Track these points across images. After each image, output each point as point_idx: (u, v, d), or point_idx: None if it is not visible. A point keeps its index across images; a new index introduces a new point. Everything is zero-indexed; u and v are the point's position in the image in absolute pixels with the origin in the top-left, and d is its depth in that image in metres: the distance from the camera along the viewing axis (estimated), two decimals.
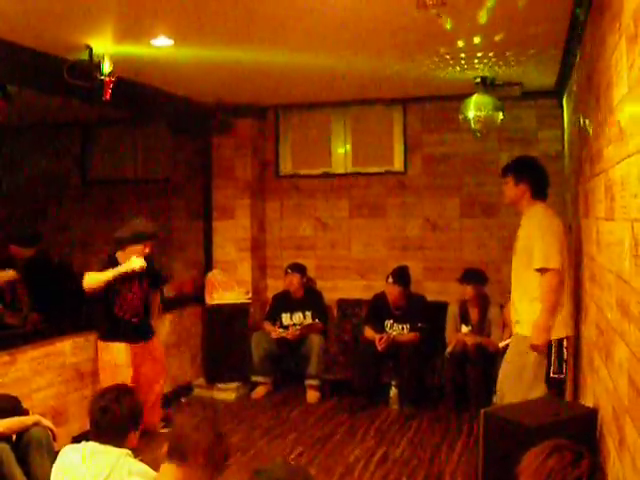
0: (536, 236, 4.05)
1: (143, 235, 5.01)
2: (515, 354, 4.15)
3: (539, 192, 4.25)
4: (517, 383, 4.04)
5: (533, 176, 4.27)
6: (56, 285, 5.85)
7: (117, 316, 5.03)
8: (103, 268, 4.95)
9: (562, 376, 3.96)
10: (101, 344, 5.09)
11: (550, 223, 4.10)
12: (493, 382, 5.64)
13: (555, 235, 4.04)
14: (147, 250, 5.01)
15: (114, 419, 2.88)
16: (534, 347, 3.98)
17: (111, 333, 5.05)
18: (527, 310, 4.09)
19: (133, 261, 4.89)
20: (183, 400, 6.23)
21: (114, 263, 4.98)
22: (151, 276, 5.24)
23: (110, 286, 4.94)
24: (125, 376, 4.86)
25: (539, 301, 4.01)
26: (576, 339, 4.19)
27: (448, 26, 4.14)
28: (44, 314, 5.49)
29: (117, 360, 4.99)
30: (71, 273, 6.27)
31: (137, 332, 5.13)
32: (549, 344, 3.95)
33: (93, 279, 4.88)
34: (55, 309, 5.56)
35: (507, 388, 4.14)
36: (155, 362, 5.31)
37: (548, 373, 3.94)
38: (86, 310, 5.31)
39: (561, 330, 4.00)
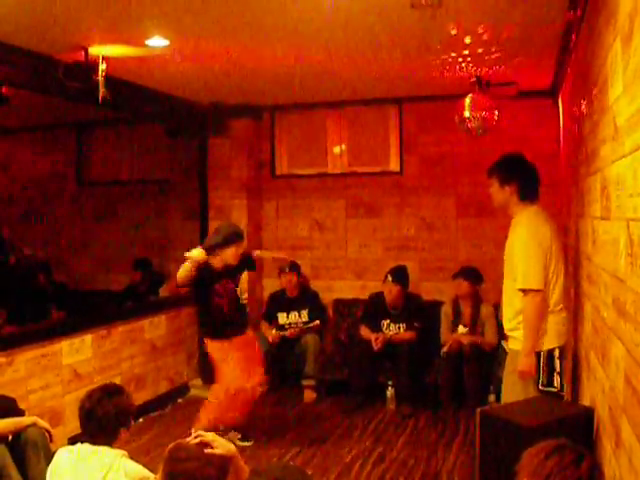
0: (519, 250, 3.72)
1: (232, 237, 5.09)
2: (513, 371, 3.82)
3: (528, 194, 3.85)
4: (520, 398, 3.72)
5: (520, 177, 3.86)
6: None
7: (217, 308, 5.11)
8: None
9: (553, 389, 3.68)
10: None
11: (535, 234, 3.72)
12: (489, 381, 5.69)
13: (536, 249, 3.68)
14: (240, 250, 5.13)
15: (99, 421, 2.89)
16: (521, 374, 3.71)
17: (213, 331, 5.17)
18: (516, 323, 3.84)
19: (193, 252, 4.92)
20: (180, 401, 6.22)
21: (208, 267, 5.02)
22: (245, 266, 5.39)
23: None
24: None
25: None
26: (573, 339, 4.19)
27: (453, 32, 4.14)
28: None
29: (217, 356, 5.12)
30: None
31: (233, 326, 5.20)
32: (537, 355, 3.70)
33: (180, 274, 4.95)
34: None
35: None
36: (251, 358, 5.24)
37: (544, 385, 3.68)
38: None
39: (551, 341, 3.75)
